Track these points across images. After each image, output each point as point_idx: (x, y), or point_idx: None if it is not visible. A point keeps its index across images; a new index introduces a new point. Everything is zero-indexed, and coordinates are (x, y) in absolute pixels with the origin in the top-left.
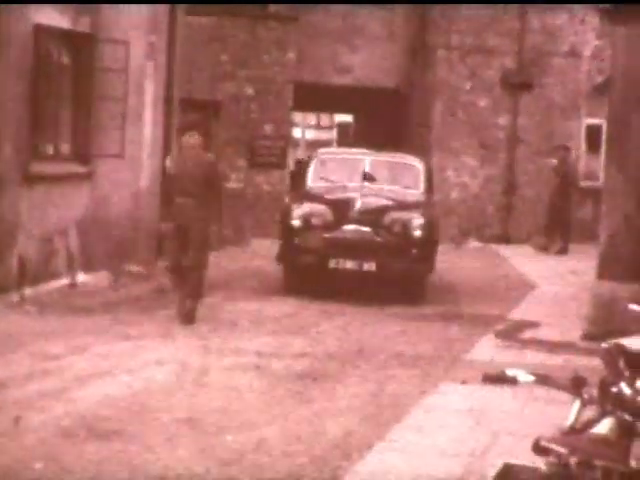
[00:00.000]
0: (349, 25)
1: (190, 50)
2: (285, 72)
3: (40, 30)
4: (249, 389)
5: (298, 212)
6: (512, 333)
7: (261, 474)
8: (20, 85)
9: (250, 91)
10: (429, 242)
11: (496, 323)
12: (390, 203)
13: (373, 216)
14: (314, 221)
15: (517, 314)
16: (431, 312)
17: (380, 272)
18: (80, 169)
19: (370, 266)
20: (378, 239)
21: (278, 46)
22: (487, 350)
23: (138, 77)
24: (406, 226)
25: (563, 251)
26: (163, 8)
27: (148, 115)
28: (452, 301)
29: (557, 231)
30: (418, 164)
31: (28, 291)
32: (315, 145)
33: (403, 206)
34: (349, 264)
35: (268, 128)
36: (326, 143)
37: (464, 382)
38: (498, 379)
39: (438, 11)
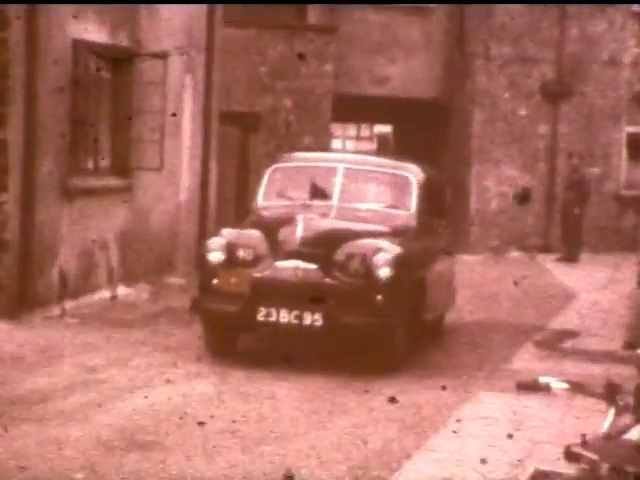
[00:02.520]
0: (387, 36)
1: (228, 62)
2: (323, 84)
3: (79, 45)
4: (287, 399)
5: (217, 242)
6: (552, 342)
7: None
8: (59, 100)
9: (289, 103)
10: (403, 285)
11: (536, 333)
12: (350, 229)
13: (322, 248)
14: (240, 254)
15: (557, 323)
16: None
17: (328, 328)
18: (119, 183)
19: (314, 319)
20: (327, 280)
21: (316, 57)
22: (526, 360)
23: (177, 90)
24: (368, 262)
25: (571, 259)
26: (201, 21)
27: (187, 128)
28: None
29: (570, 239)
30: (411, 176)
31: (69, 304)
32: None
33: (370, 234)
34: (285, 316)
35: (307, 140)
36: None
37: (503, 391)
38: (531, 387)
39: (476, 21)
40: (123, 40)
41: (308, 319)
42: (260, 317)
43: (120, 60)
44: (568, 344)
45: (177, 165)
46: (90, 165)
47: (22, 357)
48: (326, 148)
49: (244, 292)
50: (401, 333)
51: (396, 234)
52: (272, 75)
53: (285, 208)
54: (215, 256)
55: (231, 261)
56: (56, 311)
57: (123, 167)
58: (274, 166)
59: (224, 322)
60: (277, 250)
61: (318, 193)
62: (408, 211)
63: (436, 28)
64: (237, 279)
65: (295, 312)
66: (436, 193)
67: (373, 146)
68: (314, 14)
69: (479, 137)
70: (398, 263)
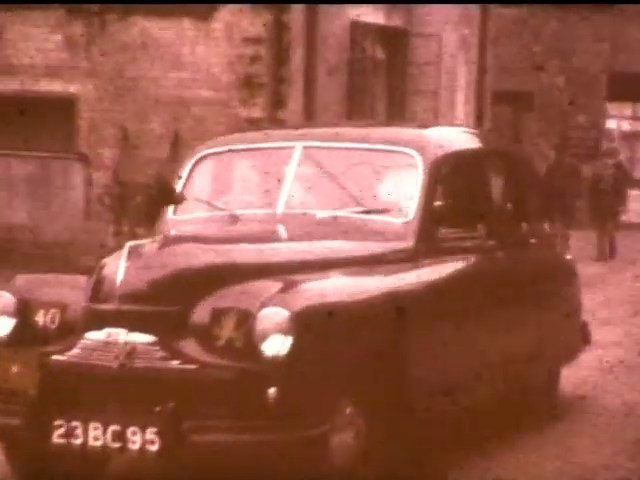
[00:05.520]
0: None
1: (501, 41)
2: (599, 61)
3: (356, 26)
4: None
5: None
6: None
7: None
8: (336, 80)
9: (561, 82)
10: (338, 360)
11: None
12: (246, 261)
13: (167, 301)
14: (40, 319)
15: None
16: None
17: (171, 454)
18: None
19: (146, 440)
20: (173, 364)
21: (592, 35)
22: None
23: (450, 70)
24: (249, 325)
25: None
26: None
27: (460, 108)
28: None
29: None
30: (416, 154)
31: None
32: (630, 138)
33: (305, 266)
34: (97, 435)
35: (581, 119)
36: None
37: None
38: None
39: None
40: (398, 21)
41: (136, 440)
42: (57, 437)
43: (395, 41)
44: None
45: None
46: None
47: None
48: (601, 127)
49: (30, 391)
50: (344, 453)
51: (369, 261)
52: (545, 53)
53: (204, 223)
54: None
55: (22, 333)
56: None
57: None
58: (198, 154)
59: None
60: (93, 310)
61: (257, 194)
62: (403, 217)
63: None
64: (21, 367)
65: (114, 427)
66: (520, 182)
67: None
68: None
69: None
70: (314, 322)
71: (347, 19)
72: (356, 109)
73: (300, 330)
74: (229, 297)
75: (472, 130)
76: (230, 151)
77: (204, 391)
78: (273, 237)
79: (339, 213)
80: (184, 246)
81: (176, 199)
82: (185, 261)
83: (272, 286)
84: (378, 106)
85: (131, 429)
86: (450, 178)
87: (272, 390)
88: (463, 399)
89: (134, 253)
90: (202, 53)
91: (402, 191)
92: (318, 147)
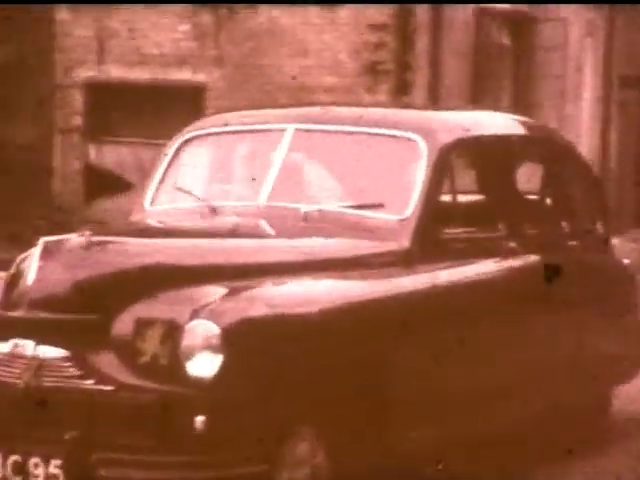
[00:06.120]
0: None
1: (628, 24)
2: None
3: (482, 12)
4: None
5: None
6: None
7: None
8: (461, 65)
9: None
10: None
11: None
12: (189, 263)
13: (83, 309)
14: None
15: None
16: None
17: None
18: None
19: (49, 474)
20: (85, 384)
21: None
22: None
23: (577, 55)
24: (176, 340)
25: None
26: None
27: (587, 92)
28: None
29: None
30: (420, 139)
31: None
32: None
33: (283, 268)
34: None
35: None
36: None
37: None
38: None
39: None
40: (524, 6)
41: (39, 474)
42: None
43: (521, 26)
44: None
45: (576, 129)
46: None
47: None
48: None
49: None
50: None
51: (350, 264)
52: None
53: (179, 215)
54: None
55: None
56: None
57: None
58: (182, 138)
59: None
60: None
61: (242, 183)
62: (398, 214)
63: None
64: None
65: (15, 457)
66: (565, 175)
67: None
68: None
69: None
70: (252, 338)
71: (472, 5)
72: (481, 94)
73: (231, 347)
74: (157, 305)
75: (515, 116)
76: (218, 133)
77: (120, 417)
78: (241, 234)
79: (326, 207)
80: (111, 242)
81: None
82: (109, 260)
83: (208, 293)
84: (503, 92)
85: (33, 460)
86: (464, 168)
87: (200, 419)
88: (469, 427)
89: (49, 251)
90: (327, 40)
91: (401, 183)
92: (310, 131)
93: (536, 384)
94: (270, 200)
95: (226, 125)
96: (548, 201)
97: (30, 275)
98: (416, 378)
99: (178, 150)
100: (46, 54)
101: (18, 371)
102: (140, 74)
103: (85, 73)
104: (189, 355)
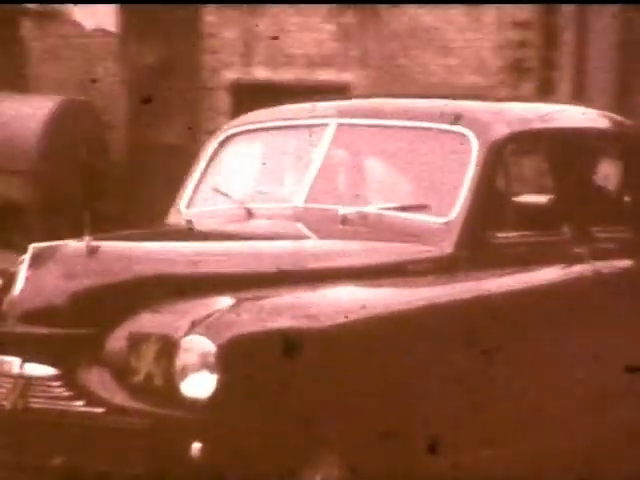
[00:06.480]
0: None
1: None
2: None
3: (628, 9)
4: None
5: None
6: None
7: None
8: (607, 63)
9: None
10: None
11: None
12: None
13: (77, 323)
14: None
15: None
16: None
17: None
18: None
19: None
20: (77, 405)
21: None
22: None
23: None
24: (172, 358)
25: None
26: None
27: None
28: None
29: None
30: (472, 135)
31: None
32: None
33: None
34: None
35: None
36: None
37: None
38: None
39: None
40: None
41: None
42: None
43: None
44: None
45: None
46: None
47: None
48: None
49: None
50: None
51: (385, 272)
52: None
53: (214, 219)
54: None
55: None
56: None
57: None
58: (222, 135)
59: None
60: None
61: (281, 184)
62: (443, 216)
63: None
64: None
65: None
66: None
67: None
68: None
69: None
70: (253, 355)
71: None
72: (628, 92)
73: (228, 366)
74: (154, 318)
75: (592, 110)
76: (256, 130)
77: (111, 442)
78: (268, 237)
79: (366, 209)
80: (112, 247)
81: None
82: (105, 268)
83: (212, 305)
84: None
85: None
86: (521, 165)
87: (196, 445)
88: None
89: (39, 258)
90: (471, 39)
91: (448, 182)
92: (355, 125)
93: (603, 406)
94: (307, 201)
95: (266, 121)
96: (627, 201)
97: (17, 285)
98: (455, 399)
99: (216, 149)
100: (194, 56)
101: (4, 391)
102: (285, 75)
103: (231, 75)
104: (183, 374)
